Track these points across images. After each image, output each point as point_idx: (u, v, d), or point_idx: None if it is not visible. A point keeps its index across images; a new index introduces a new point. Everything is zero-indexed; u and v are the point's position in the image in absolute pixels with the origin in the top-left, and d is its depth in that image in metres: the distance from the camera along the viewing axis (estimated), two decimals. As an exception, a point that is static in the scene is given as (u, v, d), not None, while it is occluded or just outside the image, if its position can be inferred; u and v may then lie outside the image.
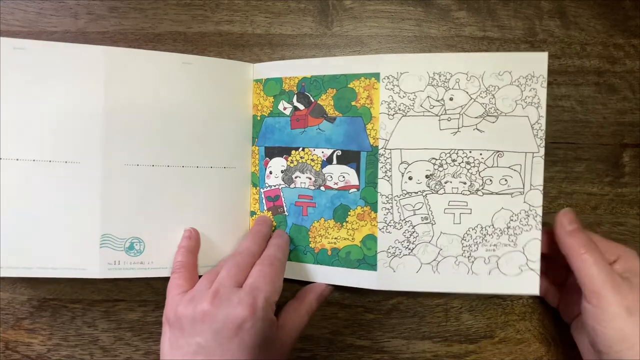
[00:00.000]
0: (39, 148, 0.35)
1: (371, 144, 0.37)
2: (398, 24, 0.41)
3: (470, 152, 0.36)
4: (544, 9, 0.41)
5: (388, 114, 0.37)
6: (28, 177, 0.35)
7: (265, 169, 0.40)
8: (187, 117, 0.38)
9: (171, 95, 0.37)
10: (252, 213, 0.41)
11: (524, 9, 0.41)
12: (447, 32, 0.41)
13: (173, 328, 0.32)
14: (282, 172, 0.39)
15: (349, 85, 0.38)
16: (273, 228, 0.40)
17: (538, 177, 0.35)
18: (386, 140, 0.37)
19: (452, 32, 0.41)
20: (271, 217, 0.40)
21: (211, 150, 0.38)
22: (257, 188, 0.40)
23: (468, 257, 0.36)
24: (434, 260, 0.36)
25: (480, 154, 0.36)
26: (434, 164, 0.36)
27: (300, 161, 0.39)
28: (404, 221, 0.37)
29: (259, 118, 0.40)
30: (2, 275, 0.35)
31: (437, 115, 0.36)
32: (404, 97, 0.36)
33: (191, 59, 0.38)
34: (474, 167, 0.36)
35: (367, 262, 0.37)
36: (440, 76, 0.36)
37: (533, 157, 0.35)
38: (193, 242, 0.37)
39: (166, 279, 0.37)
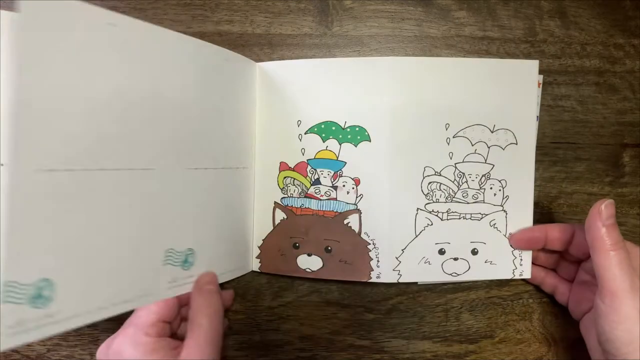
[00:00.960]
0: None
1: None
2: (398, 24, 0.41)
3: None
4: (544, 8, 0.41)
5: None
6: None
7: None
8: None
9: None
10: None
11: (524, 8, 0.41)
12: (447, 32, 0.41)
13: None
14: None
15: None
16: None
17: None
18: None
19: (452, 32, 0.41)
20: None
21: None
22: None
23: None
24: None
25: None
26: None
27: None
28: None
29: None
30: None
31: None
32: None
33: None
34: None
35: None
36: None
37: None
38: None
39: None
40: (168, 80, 0.31)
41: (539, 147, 0.40)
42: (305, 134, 0.39)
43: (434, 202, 0.38)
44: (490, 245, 0.38)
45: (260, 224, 0.40)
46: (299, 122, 0.39)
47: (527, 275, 0.38)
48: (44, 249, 0.25)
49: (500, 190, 0.38)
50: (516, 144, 0.38)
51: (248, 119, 0.39)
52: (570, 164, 0.41)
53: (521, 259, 0.38)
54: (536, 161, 0.39)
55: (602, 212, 0.31)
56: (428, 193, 0.38)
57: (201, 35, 0.41)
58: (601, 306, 0.31)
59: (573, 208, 0.40)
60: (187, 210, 0.33)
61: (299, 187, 0.39)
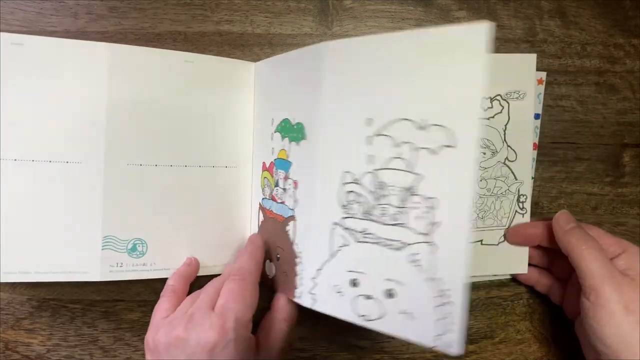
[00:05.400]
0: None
1: None
2: (398, 24, 0.41)
3: None
4: (544, 8, 0.41)
5: None
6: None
7: None
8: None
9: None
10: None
11: (524, 8, 0.41)
12: (447, 32, 0.41)
13: (152, 353, 0.32)
14: None
15: None
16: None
17: None
18: None
19: (452, 32, 0.41)
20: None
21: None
22: None
23: None
24: None
25: None
26: None
27: None
28: None
29: None
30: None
31: None
32: None
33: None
34: None
35: None
36: None
37: None
38: (191, 270, 0.37)
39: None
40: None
41: (539, 148, 0.40)
42: (274, 132, 0.36)
43: (351, 217, 0.29)
44: (408, 290, 0.27)
45: (255, 223, 0.40)
46: (272, 121, 0.36)
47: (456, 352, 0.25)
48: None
49: (427, 212, 0.26)
50: (454, 146, 0.25)
51: (240, 120, 0.40)
52: (571, 164, 0.41)
53: (445, 320, 0.26)
54: (536, 161, 0.39)
55: (560, 222, 0.34)
56: (346, 205, 0.29)
57: (201, 35, 0.41)
58: (587, 304, 0.31)
59: (573, 208, 0.40)
60: (138, 202, 0.36)
61: (269, 188, 0.37)
